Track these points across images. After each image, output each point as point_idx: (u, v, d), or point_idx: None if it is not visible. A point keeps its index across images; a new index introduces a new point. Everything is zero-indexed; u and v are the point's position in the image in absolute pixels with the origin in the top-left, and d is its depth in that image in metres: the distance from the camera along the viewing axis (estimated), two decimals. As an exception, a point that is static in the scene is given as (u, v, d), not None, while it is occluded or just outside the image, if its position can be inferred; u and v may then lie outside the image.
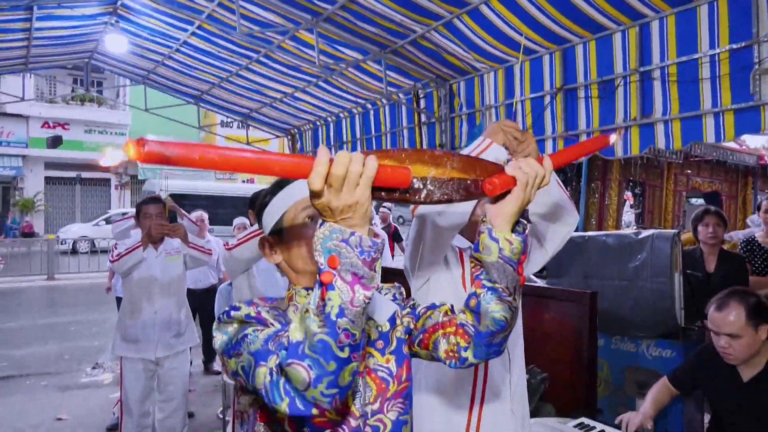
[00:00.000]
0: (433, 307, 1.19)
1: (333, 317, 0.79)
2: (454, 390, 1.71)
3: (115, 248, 3.50)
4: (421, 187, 0.85)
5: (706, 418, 2.84)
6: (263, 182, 22.80)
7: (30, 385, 5.26)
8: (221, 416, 4.31)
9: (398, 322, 1.19)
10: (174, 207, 3.83)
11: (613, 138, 1.23)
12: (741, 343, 2.16)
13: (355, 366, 0.85)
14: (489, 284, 1.03)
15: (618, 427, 2.33)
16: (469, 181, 0.90)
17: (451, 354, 1.11)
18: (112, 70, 6.06)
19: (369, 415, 1.11)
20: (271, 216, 1.15)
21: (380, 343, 1.15)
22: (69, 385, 5.30)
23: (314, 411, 0.86)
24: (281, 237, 1.14)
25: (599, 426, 2.38)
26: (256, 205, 1.22)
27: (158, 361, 3.54)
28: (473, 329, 1.07)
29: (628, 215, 9.84)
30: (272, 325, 1.01)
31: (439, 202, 0.89)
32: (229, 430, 3.53)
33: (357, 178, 0.77)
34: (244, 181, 22.30)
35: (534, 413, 2.61)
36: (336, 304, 0.79)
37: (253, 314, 1.02)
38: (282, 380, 0.86)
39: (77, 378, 5.54)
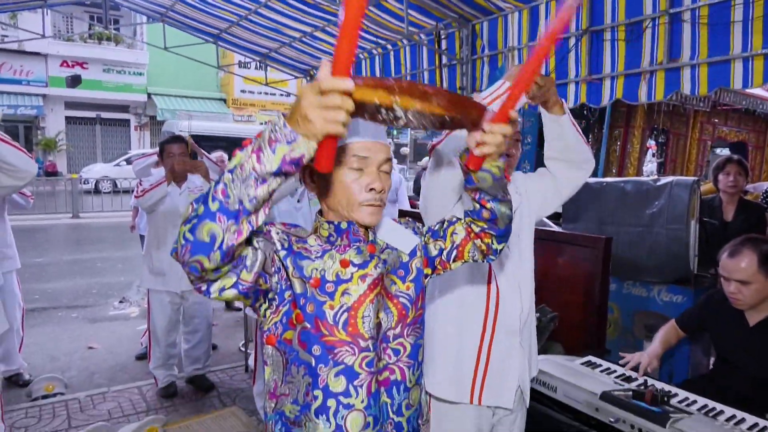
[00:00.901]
0: (451, 223, 1.32)
1: (226, 171, 0.88)
2: (467, 320, 1.79)
3: (140, 185, 3.60)
4: (402, 115, 0.95)
5: (712, 361, 2.92)
6: (281, 125, 22.71)
7: (61, 316, 5.53)
8: (242, 349, 4.52)
9: (418, 253, 1.26)
10: (195, 147, 3.89)
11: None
12: (751, 289, 2.20)
13: (216, 229, 0.88)
14: (493, 199, 1.20)
15: (624, 366, 2.41)
16: (447, 117, 1.01)
17: (486, 252, 1.30)
18: (130, 7, 5.98)
19: (391, 339, 1.20)
20: None
21: (401, 272, 1.24)
22: (98, 318, 5.56)
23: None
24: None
25: (605, 364, 2.47)
26: None
27: (183, 294, 3.70)
28: (495, 229, 1.26)
29: (651, 164, 9.69)
30: (274, 243, 1.10)
31: (416, 128, 1.03)
32: (251, 361, 3.71)
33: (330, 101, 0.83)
34: (261, 123, 22.27)
35: (543, 351, 2.70)
36: (234, 163, 0.88)
37: (263, 230, 1.10)
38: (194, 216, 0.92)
39: (105, 311, 5.80)
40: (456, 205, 1.73)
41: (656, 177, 3.62)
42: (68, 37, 19.46)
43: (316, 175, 1.19)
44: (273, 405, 1.19)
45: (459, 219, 1.33)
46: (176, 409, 3.51)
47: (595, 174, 8.82)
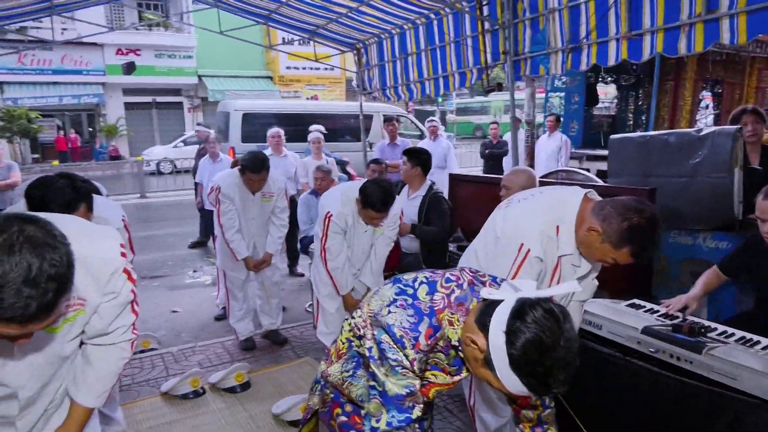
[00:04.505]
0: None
1: None
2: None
3: (218, 205, 3.91)
4: None
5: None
6: (327, 98, 23.07)
7: (144, 285, 6.08)
8: (309, 310, 4.91)
9: None
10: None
11: None
12: (787, 228, 2.33)
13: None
14: None
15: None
16: None
17: None
18: (186, -5, 6.36)
19: None
20: None
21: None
22: (176, 285, 6.09)
23: None
24: None
25: (648, 305, 2.65)
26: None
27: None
28: None
29: (707, 117, 9.41)
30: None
31: None
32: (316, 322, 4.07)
33: None
34: (308, 98, 22.65)
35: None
36: None
37: (398, 335, 1.35)
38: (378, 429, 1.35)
39: (182, 280, 6.33)
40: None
41: (699, 128, 3.68)
42: (122, 25, 20.24)
43: None
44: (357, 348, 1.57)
45: None
46: (257, 360, 3.93)
47: (645, 129, 8.69)
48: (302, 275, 6.14)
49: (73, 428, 1.53)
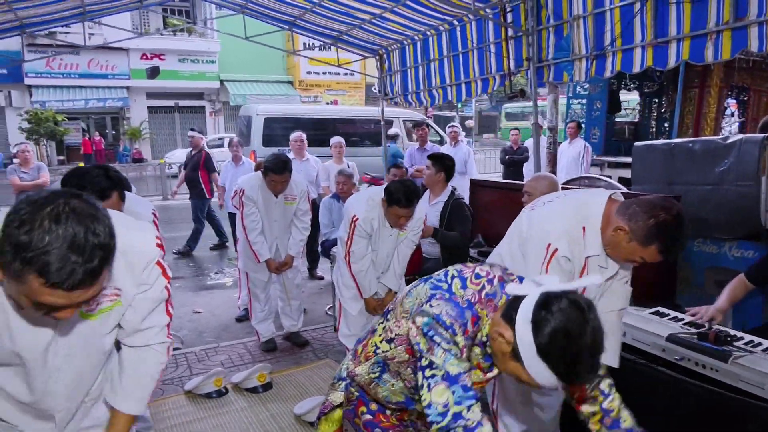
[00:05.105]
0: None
1: None
2: None
3: (242, 207, 3.97)
4: None
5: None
6: (346, 103, 23.21)
7: (167, 286, 6.18)
8: (329, 312, 4.95)
9: None
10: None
11: None
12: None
13: None
14: None
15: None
16: None
17: None
18: (214, 2, 6.47)
19: None
20: None
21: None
22: (198, 287, 6.18)
23: None
24: None
25: (673, 313, 2.63)
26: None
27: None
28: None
29: (732, 125, 9.28)
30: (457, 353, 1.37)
31: None
32: (338, 324, 4.10)
33: None
34: (327, 103, 22.81)
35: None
36: None
37: (448, 323, 1.35)
38: (447, 411, 1.29)
39: (204, 281, 6.42)
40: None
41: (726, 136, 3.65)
42: (147, 29, 20.62)
43: None
44: (384, 356, 1.57)
45: None
46: (278, 361, 3.97)
47: (669, 137, 8.59)
48: (322, 278, 6.19)
49: None
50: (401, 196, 2.99)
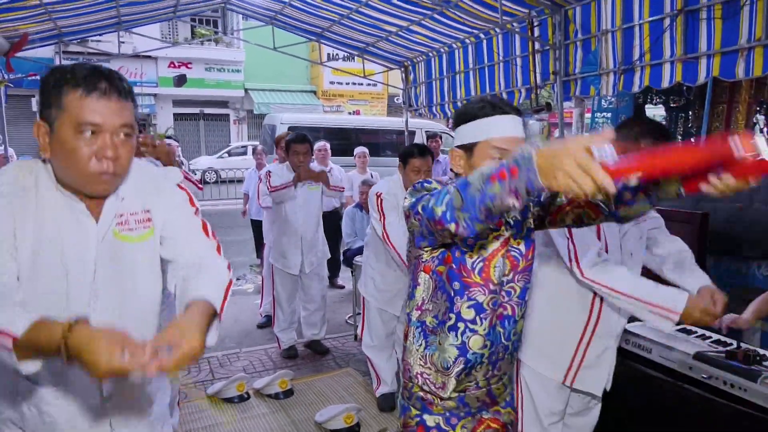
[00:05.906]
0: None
1: (488, 192, 1.08)
2: (569, 320, 2.08)
3: (268, 177, 4.05)
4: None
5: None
6: (368, 113, 23.34)
7: (190, 290, 6.27)
8: (350, 321, 4.97)
9: (529, 214, 1.54)
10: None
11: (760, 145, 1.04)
12: None
13: (484, 226, 1.17)
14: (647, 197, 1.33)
15: (718, 331, 2.54)
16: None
17: (577, 220, 1.49)
18: (244, 13, 6.60)
19: (505, 283, 1.51)
20: (471, 134, 1.47)
21: (513, 231, 1.53)
22: (221, 292, 6.23)
23: (452, 226, 1.20)
24: (471, 152, 1.48)
25: (700, 330, 2.60)
26: (462, 113, 1.52)
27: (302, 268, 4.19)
28: (608, 210, 1.41)
29: (761, 142, 9.09)
30: None
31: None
32: (359, 331, 4.12)
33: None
34: (350, 113, 22.96)
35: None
36: (494, 191, 1.07)
37: (438, 187, 1.39)
38: (449, 196, 1.21)
39: (226, 286, 6.48)
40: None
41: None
42: (176, 40, 21.06)
43: (463, 158, 1.53)
44: (418, 314, 1.57)
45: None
46: (298, 368, 4.00)
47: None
48: (343, 287, 6.23)
49: (196, 318, 1.15)
50: (413, 149, 3.16)
